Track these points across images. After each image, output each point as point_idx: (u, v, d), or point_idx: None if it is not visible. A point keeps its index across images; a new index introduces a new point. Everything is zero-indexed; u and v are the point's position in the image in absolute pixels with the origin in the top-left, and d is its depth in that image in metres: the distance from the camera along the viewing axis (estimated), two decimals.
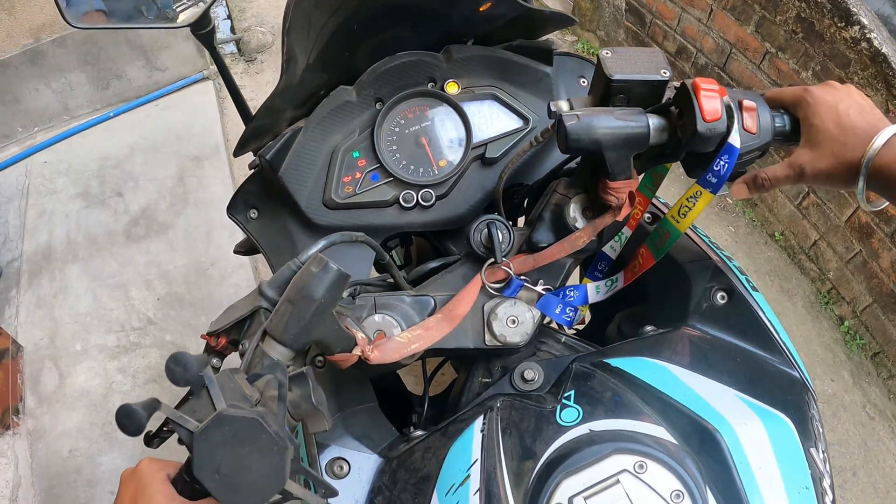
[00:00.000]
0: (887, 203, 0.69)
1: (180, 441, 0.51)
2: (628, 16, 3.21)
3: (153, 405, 0.50)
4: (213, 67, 3.29)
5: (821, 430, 0.75)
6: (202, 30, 1.04)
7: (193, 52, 3.16)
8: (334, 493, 0.60)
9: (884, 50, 2.04)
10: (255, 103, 3.11)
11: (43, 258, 2.53)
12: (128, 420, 0.49)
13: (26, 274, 2.49)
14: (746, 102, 0.70)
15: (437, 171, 0.92)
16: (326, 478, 0.76)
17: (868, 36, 2.08)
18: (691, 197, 0.76)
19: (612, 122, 0.70)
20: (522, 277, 0.83)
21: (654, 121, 0.71)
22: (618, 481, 0.63)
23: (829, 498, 0.68)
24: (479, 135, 0.93)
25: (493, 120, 0.94)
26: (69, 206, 2.71)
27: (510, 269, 0.81)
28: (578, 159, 0.88)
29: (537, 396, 0.78)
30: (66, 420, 2.12)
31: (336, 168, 0.89)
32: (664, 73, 0.73)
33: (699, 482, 0.64)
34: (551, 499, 0.63)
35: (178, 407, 0.53)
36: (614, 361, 0.79)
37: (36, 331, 2.33)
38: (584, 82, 1.04)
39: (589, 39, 3.54)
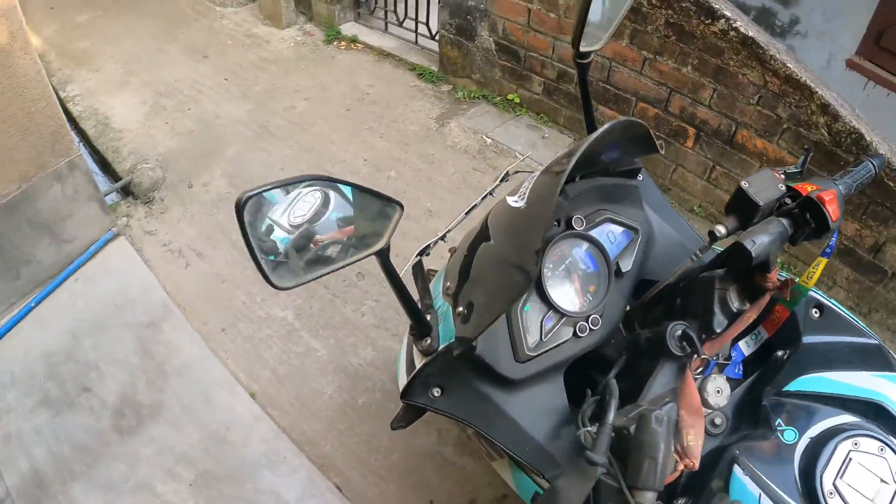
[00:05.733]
0: None
1: None
2: (500, 55, 3.46)
3: None
4: (121, 222, 3.12)
5: None
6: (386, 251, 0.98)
7: (96, 211, 2.96)
8: None
9: (750, 34, 2.41)
10: (175, 245, 2.97)
11: (36, 487, 2.26)
12: None
13: None
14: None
15: (592, 298, 1.04)
16: None
17: (734, 25, 2.44)
18: (815, 265, 1.03)
19: (771, 238, 0.96)
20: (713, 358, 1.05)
21: (786, 222, 1.00)
22: (851, 459, 0.91)
23: None
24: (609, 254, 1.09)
25: (614, 237, 1.11)
26: (35, 421, 2.43)
27: (707, 356, 1.00)
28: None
29: (761, 433, 1.00)
30: None
31: (517, 327, 0.98)
32: (781, 187, 1.01)
33: (887, 436, 0.93)
34: (823, 492, 0.89)
35: None
36: (786, 388, 1.04)
37: None
38: (640, 178, 1.25)
39: (465, 85, 3.74)
